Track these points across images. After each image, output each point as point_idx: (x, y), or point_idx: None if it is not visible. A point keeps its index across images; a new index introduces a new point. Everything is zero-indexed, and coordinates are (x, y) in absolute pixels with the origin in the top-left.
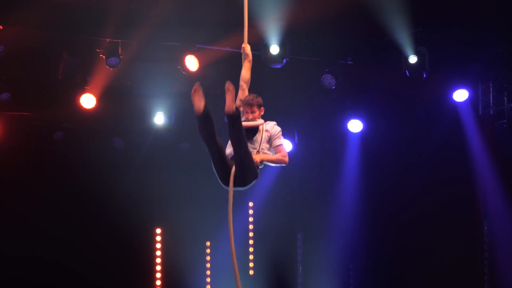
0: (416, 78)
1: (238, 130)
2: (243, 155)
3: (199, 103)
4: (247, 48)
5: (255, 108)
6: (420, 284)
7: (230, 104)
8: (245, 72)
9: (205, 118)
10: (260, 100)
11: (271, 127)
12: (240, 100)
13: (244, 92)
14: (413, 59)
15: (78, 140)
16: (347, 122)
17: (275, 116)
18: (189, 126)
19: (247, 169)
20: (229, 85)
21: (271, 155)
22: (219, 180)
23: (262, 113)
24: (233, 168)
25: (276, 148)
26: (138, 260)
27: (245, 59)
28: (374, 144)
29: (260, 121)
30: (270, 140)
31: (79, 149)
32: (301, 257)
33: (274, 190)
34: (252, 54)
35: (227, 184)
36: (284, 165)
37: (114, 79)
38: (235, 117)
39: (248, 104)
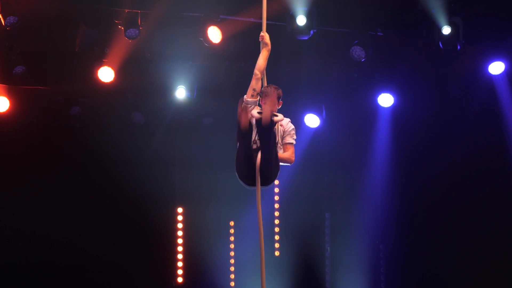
0: (450, 50)
1: (268, 138)
2: (270, 153)
3: (246, 120)
4: (266, 36)
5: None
6: (453, 265)
7: (267, 115)
8: (262, 61)
9: (249, 131)
10: (280, 92)
11: (286, 123)
12: (254, 90)
13: (258, 82)
14: (446, 30)
15: (96, 115)
16: (377, 96)
17: (302, 90)
18: (212, 100)
19: (272, 168)
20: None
21: (281, 153)
22: (240, 180)
23: (280, 106)
24: (258, 158)
25: (286, 146)
26: (158, 240)
27: (263, 47)
28: (406, 119)
29: (280, 116)
30: (282, 136)
31: (97, 124)
32: (329, 238)
33: (300, 169)
34: (278, 25)
35: (249, 183)
36: (288, 164)
37: (133, 51)
38: (268, 127)
39: (269, 95)
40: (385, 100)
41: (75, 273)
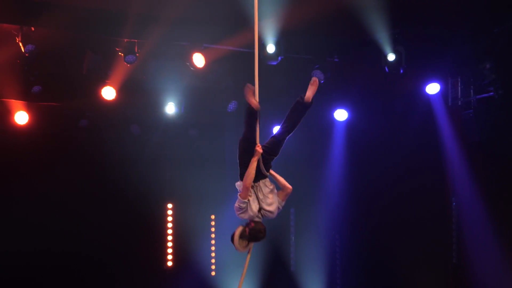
0: (394, 74)
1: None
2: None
3: (256, 102)
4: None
5: None
6: (396, 251)
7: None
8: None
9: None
10: None
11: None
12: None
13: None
14: (391, 56)
15: (100, 127)
16: (334, 111)
17: (272, 107)
18: (196, 114)
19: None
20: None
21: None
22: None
23: None
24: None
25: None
26: (152, 231)
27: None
28: (358, 131)
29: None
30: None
31: (101, 134)
32: (294, 229)
33: None
34: (251, 52)
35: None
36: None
37: (131, 74)
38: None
39: None
40: (341, 115)
41: (76, 260)
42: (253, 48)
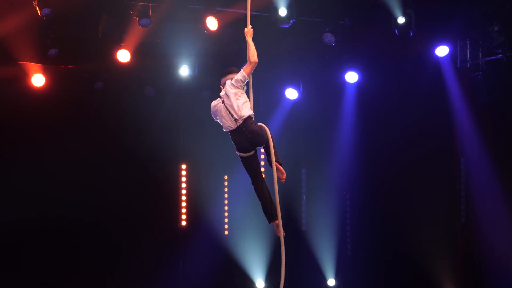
0: (404, 36)
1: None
2: None
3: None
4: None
5: None
6: (405, 211)
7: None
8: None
9: None
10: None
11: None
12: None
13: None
14: (401, 20)
15: (115, 89)
16: (345, 74)
17: (284, 69)
18: (210, 76)
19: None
20: None
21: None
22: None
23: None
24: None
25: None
26: (166, 191)
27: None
28: (368, 93)
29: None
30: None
31: (116, 96)
32: (305, 189)
33: (282, 133)
34: (264, 16)
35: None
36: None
37: (146, 37)
38: None
39: None
40: (351, 77)
41: (92, 220)
42: (267, 12)
